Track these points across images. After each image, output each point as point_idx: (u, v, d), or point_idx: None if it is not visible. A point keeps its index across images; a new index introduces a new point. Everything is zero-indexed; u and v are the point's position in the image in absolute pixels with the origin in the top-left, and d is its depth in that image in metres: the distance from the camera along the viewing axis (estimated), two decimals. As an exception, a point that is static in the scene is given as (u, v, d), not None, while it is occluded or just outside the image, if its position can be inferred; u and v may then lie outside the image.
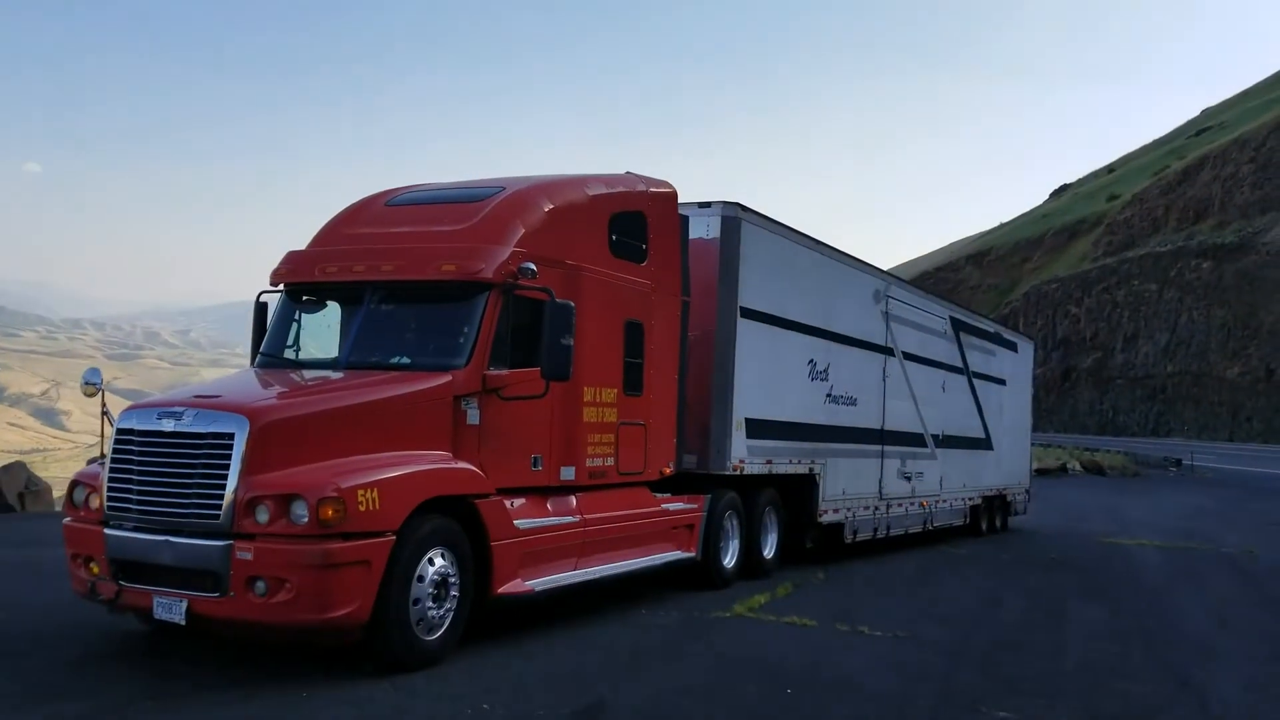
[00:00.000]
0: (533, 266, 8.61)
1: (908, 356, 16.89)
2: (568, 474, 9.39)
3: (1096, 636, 10.40)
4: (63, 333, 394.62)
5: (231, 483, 7.02)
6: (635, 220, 10.43)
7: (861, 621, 10.21)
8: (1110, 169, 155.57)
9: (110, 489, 7.47)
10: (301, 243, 9.67)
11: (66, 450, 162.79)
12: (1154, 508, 30.26)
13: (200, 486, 7.11)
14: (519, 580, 8.50)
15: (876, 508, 15.79)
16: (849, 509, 14.85)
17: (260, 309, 9.72)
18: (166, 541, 7.17)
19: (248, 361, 9.69)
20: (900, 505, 16.66)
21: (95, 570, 7.53)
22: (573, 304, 8.68)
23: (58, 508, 18.31)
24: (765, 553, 12.96)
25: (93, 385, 8.25)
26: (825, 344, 14.24)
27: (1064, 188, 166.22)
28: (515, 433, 8.75)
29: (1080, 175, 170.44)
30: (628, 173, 10.85)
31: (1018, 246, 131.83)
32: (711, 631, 9.59)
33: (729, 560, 12.05)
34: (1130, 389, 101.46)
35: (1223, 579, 15.26)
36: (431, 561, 7.61)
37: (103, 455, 8.08)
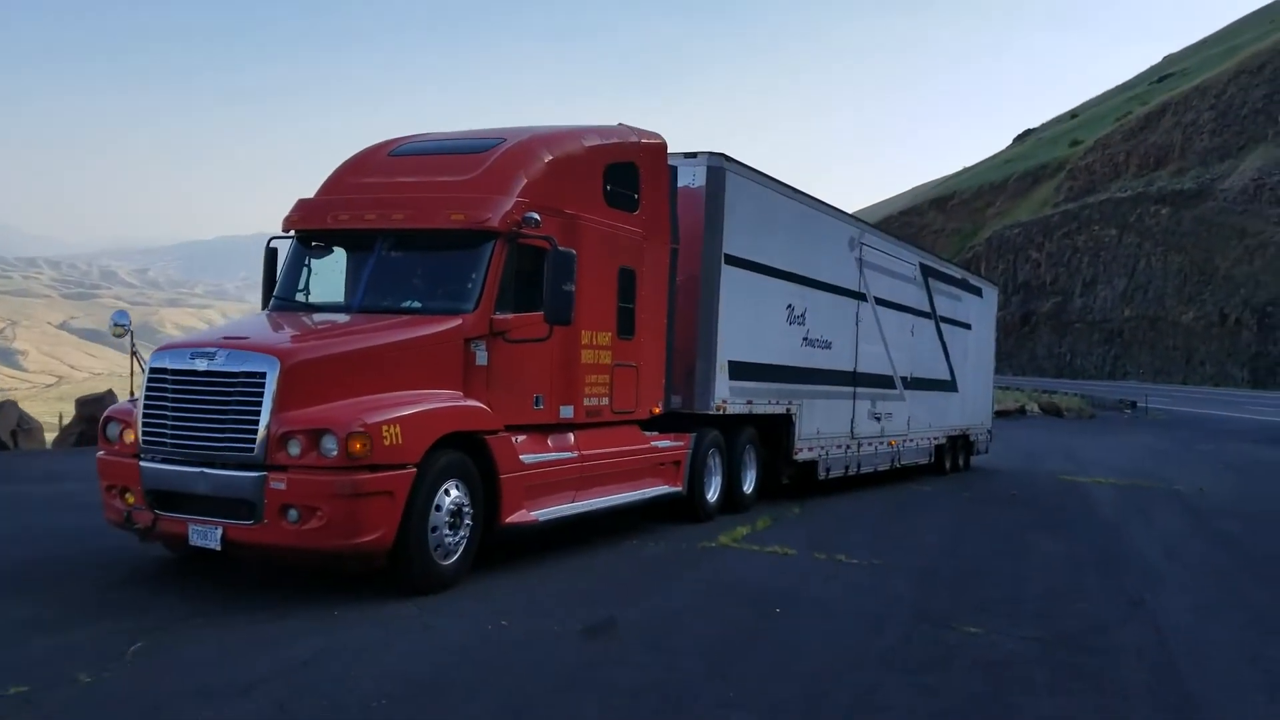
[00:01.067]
0: (536, 216, 9.10)
1: (879, 302, 17.52)
2: (567, 412, 9.95)
3: (1055, 565, 11.15)
4: (17, 271, 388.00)
5: (264, 418, 7.52)
6: (628, 170, 10.91)
7: (838, 551, 10.90)
8: (1073, 115, 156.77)
9: (145, 424, 7.94)
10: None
11: (24, 390, 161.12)
12: (1109, 448, 31.33)
13: (235, 422, 7.61)
14: (524, 511, 9.09)
15: (848, 446, 16.49)
16: (823, 448, 15.52)
17: (270, 254, 10.13)
18: (201, 473, 7.68)
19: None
20: (870, 444, 17.36)
21: (131, 500, 8.03)
22: (574, 252, 9.20)
23: (49, 445, 18.72)
24: (745, 488, 13.62)
25: (121, 326, 8.68)
26: (802, 289, 14.81)
27: (1027, 133, 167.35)
28: (519, 373, 9.28)
29: (1044, 120, 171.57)
30: (620, 124, 11.29)
31: (981, 191, 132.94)
32: (700, 559, 10.25)
33: (712, 495, 12.71)
34: (1088, 333, 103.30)
35: (1173, 515, 16.08)
36: (447, 492, 8.17)
37: (133, 393, 8.56)
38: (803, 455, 14.93)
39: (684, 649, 6.98)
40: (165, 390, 7.87)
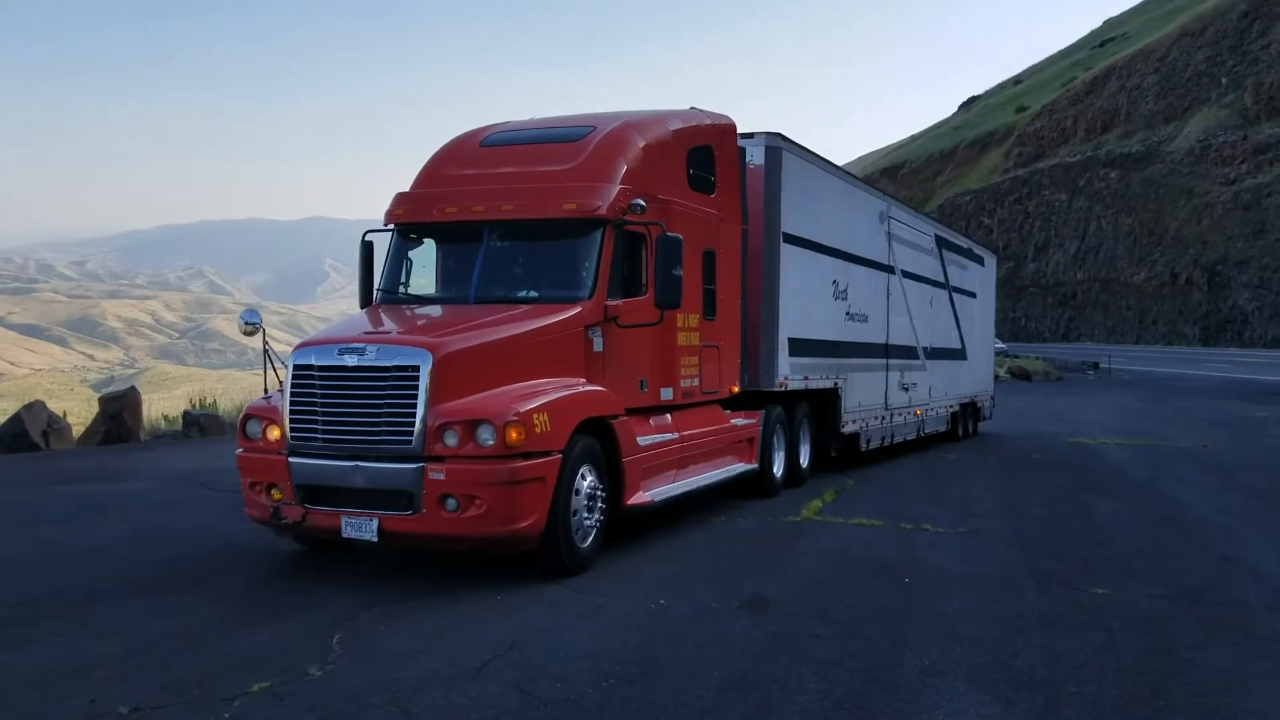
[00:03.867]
0: (642, 202, 9.27)
1: (905, 274, 17.87)
2: (666, 394, 10.14)
3: (1124, 525, 11.50)
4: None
5: (420, 411, 7.64)
6: (705, 153, 11.08)
7: (918, 520, 11.21)
8: (1017, 81, 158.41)
9: (293, 420, 8.01)
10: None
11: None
12: (1091, 409, 32.04)
13: (390, 415, 7.71)
14: (641, 493, 9.29)
15: (883, 417, 16.84)
16: (863, 420, 15.85)
17: (367, 248, 10.16)
18: (356, 466, 7.79)
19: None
20: (900, 415, 17.74)
21: (277, 496, 8.11)
22: (680, 237, 9.37)
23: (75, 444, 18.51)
24: (802, 462, 13.90)
25: (252, 325, 8.70)
26: (844, 265, 15.09)
27: (972, 100, 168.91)
28: (628, 358, 9.46)
29: (988, 87, 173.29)
30: (692, 108, 11.45)
31: (930, 160, 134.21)
32: (798, 534, 10.49)
33: (778, 470, 12.98)
34: (1042, 296, 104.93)
35: (1196, 472, 16.58)
36: (583, 477, 8.36)
37: (266, 390, 8.63)
38: (848, 428, 15.25)
39: (850, 619, 7.22)
40: (313, 387, 7.95)
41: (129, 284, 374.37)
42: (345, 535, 7.87)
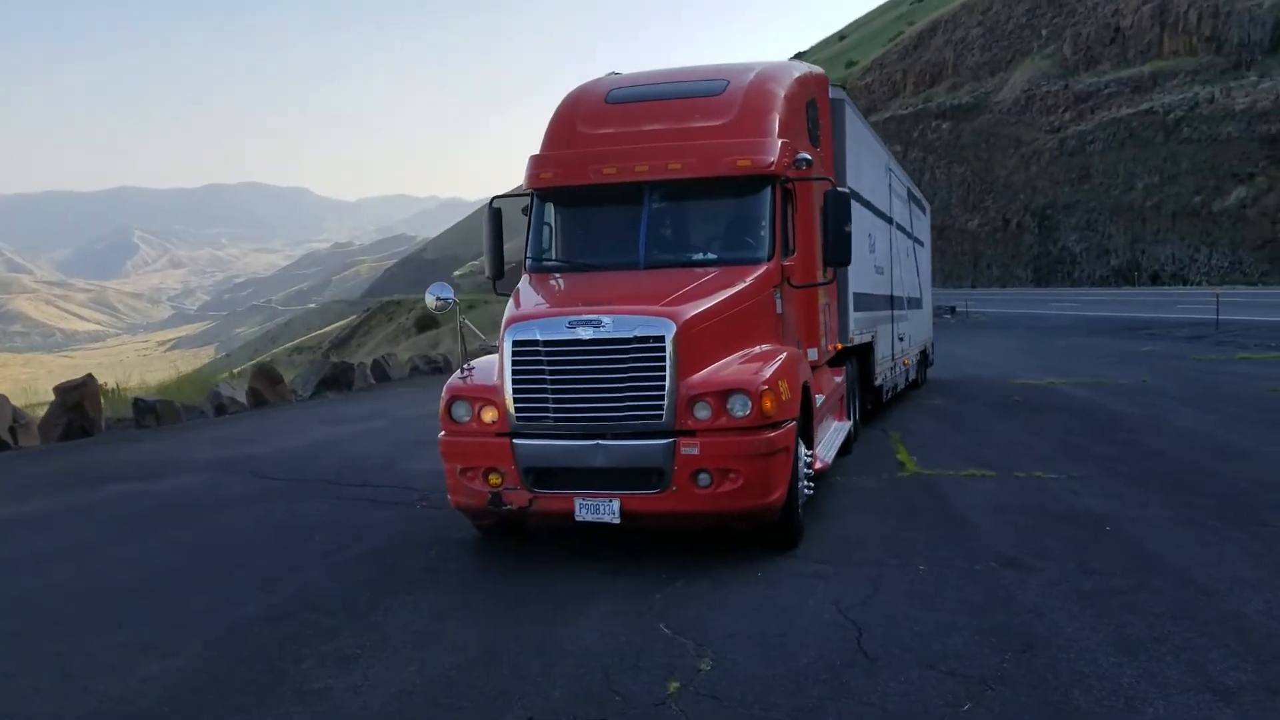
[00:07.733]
0: (808, 157, 8.99)
1: (897, 226, 18.06)
2: (812, 354, 9.92)
3: (1205, 460, 11.75)
4: None
5: (668, 382, 7.22)
6: (814, 106, 10.85)
7: (1021, 469, 11.32)
8: (842, 36, 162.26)
9: (518, 400, 7.45)
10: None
11: None
12: (989, 352, 33.09)
13: (637, 389, 7.27)
14: (816, 454, 9.07)
15: (892, 368, 17.02)
16: (884, 372, 15.99)
17: (495, 215, 9.55)
18: (597, 445, 7.31)
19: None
20: (897, 365, 17.94)
21: (496, 481, 7.56)
22: (847, 191, 9.12)
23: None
24: (858, 417, 13.90)
25: (444, 300, 8.06)
26: (872, 218, 15.10)
27: (800, 56, 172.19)
28: (794, 318, 9.24)
29: (814, 44, 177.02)
30: (791, 60, 11.16)
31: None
32: (929, 489, 10.40)
33: (853, 426, 12.92)
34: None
35: (1180, 406, 17.19)
36: (799, 444, 8.08)
37: (463, 367, 8.02)
38: (877, 380, 15.34)
39: (1121, 570, 7.20)
40: (539, 363, 7.40)
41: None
42: (580, 518, 7.41)
